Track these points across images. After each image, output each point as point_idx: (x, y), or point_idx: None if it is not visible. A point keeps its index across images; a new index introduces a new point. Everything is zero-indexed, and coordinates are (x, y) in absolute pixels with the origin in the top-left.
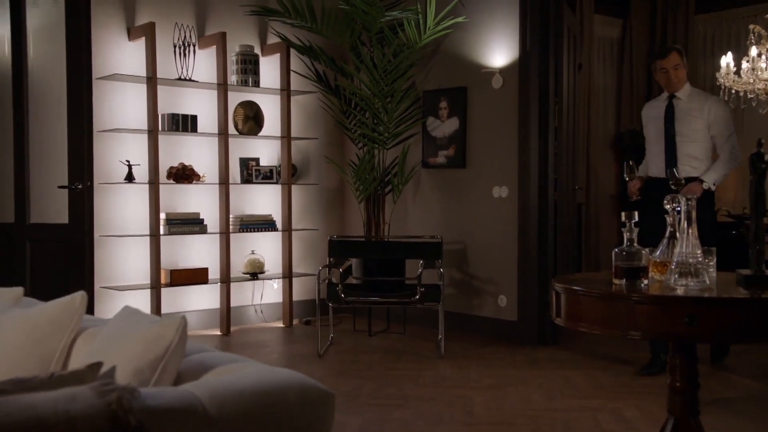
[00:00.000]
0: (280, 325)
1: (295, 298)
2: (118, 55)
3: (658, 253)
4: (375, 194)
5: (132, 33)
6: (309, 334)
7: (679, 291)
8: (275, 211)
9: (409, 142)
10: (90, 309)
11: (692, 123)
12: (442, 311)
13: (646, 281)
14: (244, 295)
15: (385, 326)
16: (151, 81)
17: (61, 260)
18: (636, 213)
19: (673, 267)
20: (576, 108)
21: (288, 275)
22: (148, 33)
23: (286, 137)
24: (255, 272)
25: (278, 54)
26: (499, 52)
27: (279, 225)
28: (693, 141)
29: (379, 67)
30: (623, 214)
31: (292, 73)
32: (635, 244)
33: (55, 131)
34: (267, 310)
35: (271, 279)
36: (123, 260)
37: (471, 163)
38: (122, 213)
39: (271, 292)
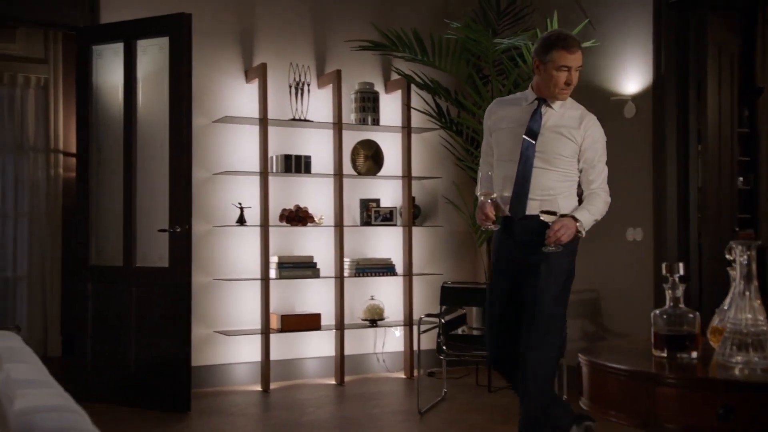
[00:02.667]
0: (402, 375)
1: (421, 347)
2: (236, 97)
3: (717, 318)
4: None
5: (249, 75)
6: (430, 387)
7: (736, 370)
8: (396, 255)
9: None
10: (200, 354)
11: (559, 145)
12: (565, 368)
13: (695, 354)
14: (365, 342)
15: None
16: (263, 122)
17: (164, 303)
18: (679, 266)
19: (726, 335)
20: (734, 140)
21: (409, 323)
22: (260, 74)
23: (407, 177)
24: (374, 319)
25: (399, 90)
26: (630, 78)
27: (400, 269)
28: (554, 169)
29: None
30: (664, 266)
31: (413, 110)
32: (681, 304)
33: (160, 175)
34: (389, 359)
35: (391, 326)
36: (237, 304)
37: None
38: (236, 256)
39: (393, 340)
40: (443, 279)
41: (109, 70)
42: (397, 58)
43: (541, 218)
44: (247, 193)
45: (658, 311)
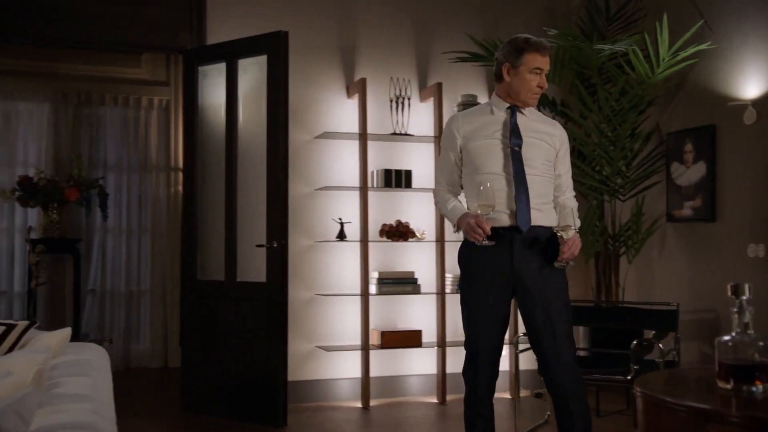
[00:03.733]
0: (507, 396)
1: (528, 366)
2: (338, 112)
3: None
4: (606, 253)
5: (350, 90)
6: (535, 409)
7: None
8: None
9: (646, 193)
10: (301, 368)
11: (542, 151)
12: None
13: (761, 387)
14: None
15: (625, 406)
16: (362, 137)
17: (262, 318)
18: (746, 287)
19: None
20: None
21: (513, 341)
22: (360, 89)
23: None
24: None
25: None
26: (750, 81)
27: None
28: (542, 175)
29: (603, 109)
30: (729, 287)
31: None
32: (750, 330)
33: (260, 191)
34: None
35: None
36: (338, 320)
37: (721, 215)
38: (337, 271)
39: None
40: None
41: (213, 89)
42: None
43: (560, 233)
44: (347, 208)
45: (723, 338)
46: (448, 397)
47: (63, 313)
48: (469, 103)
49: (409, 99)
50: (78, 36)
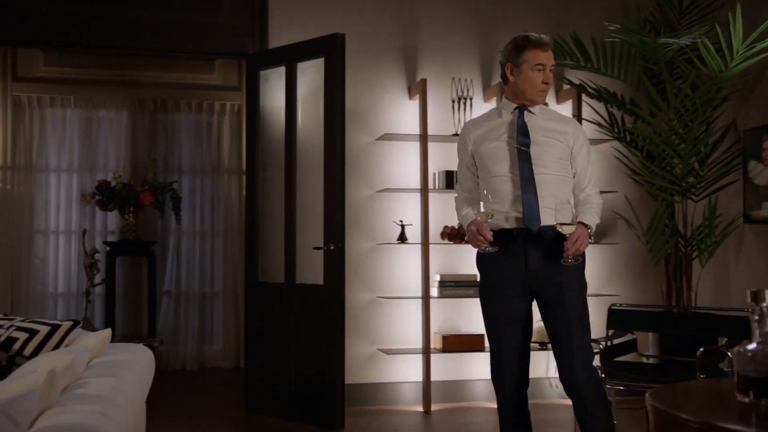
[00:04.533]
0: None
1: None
2: (400, 114)
3: None
4: (677, 256)
5: (412, 91)
6: None
7: None
8: None
9: (721, 192)
10: (362, 371)
11: (555, 149)
12: None
13: None
14: (537, 366)
15: None
16: (423, 138)
17: (320, 320)
18: (766, 293)
19: None
20: None
21: None
22: (421, 90)
23: None
24: (544, 342)
25: (570, 100)
26: None
27: None
28: (556, 174)
29: (673, 105)
30: (749, 293)
31: (583, 120)
32: None
33: (318, 194)
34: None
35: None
36: (399, 323)
37: None
38: (398, 274)
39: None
40: (620, 301)
41: (273, 93)
42: (569, 68)
43: (559, 230)
44: (409, 210)
45: (742, 347)
46: None
47: (140, 314)
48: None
49: (471, 99)
50: (150, 44)
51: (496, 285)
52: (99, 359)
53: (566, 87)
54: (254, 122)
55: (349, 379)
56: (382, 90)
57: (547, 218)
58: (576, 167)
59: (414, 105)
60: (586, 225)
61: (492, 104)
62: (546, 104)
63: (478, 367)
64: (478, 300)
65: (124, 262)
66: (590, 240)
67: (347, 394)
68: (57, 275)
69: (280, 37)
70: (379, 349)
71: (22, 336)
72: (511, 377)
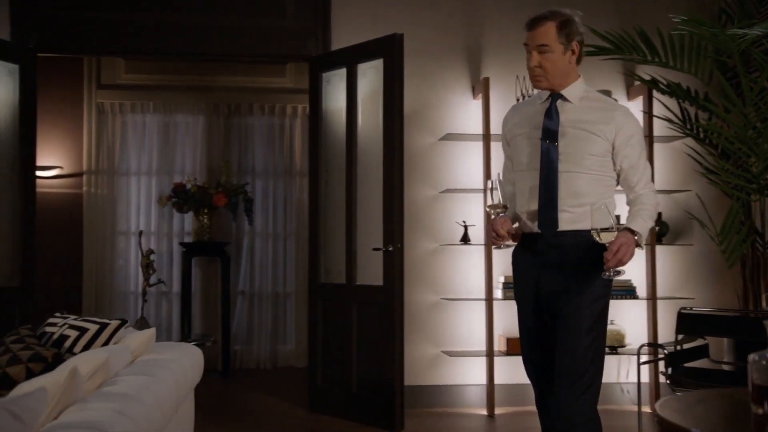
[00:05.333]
0: (648, 410)
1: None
2: (464, 113)
3: None
4: (754, 257)
5: (476, 90)
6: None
7: None
8: (638, 276)
9: None
10: (426, 373)
11: (587, 143)
12: None
13: None
14: (607, 371)
15: None
16: (486, 138)
17: (379, 322)
18: None
19: None
20: None
21: (653, 351)
22: (483, 89)
23: None
24: (614, 346)
25: (641, 97)
26: None
27: (642, 292)
28: (584, 172)
29: (748, 100)
30: (764, 297)
31: (655, 117)
32: None
33: (378, 194)
34: (635, 391)
35: (633, 354)
36: (464, 324)
37: None
38: (462, 275)
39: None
40: (694, 304)
41: (335, 95)
42: (636, 62)
43: (596, 238)
44: (472, 210)
45: (756, 355)
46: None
47: (216, 313)
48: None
49: None
50: (218, 50)
51: (518, 290)
52: (142, 357)
53: (637, 83)
54: (316, 124)
55: (411, 381)
56: (445, 90)
57: (566, 222)
58: (621, 163)
59: (477, 104)
60: (633, 231)
61: None
62: (598, 91)
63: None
64: None
65: (199, 263)
66: (641, 247)
67: (410, 395)
68: (138, 275)
69: (343, 38)
70: (442, 351)
71: (73, 334)
72: (538, 385)
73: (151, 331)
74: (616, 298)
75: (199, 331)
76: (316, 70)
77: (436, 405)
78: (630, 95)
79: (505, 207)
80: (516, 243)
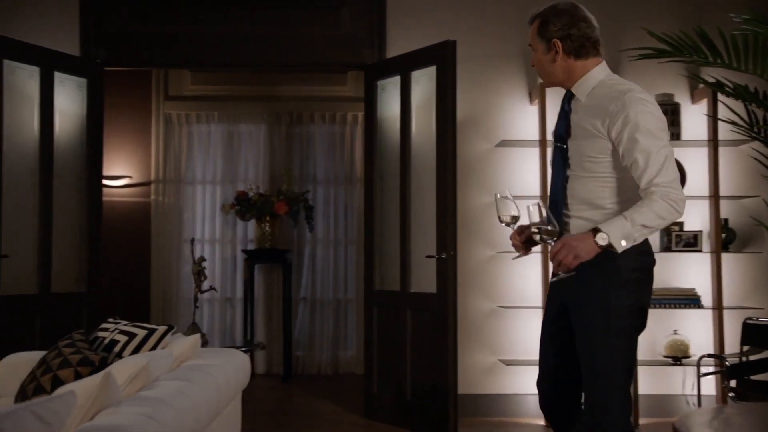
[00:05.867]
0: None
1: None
2: (521, 119)
3: None
4: None
5: (532, 96)
6: None
7: None
8: (703, 285)
9: None
10: (482, 381)
11: (585, 144)
12: None
13: None
14: (670, 382)
15: None
16: (542, 144)
17: (433, 329)
18: None
19: None
20: None
21: (719, 363)
22: (539, 94)
23: (714, 197)
24: (678, 356)
25: (705, 100)
26: None
27: (707, 301)
28: (588, 175)
29: None
30: None
31: (720, 120)
32: None
33: (432, 201)
34: (702, 403)
35: (697, 366)
36: (520, 333)
37: None
38: (519, 283)
39: (703, 381)
40: (764, 314)
41: (389, 103)
42: (700, 64)
43: (535, 238)
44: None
45: None
46: (641, 421)
47: (278, 320)
48: (663, 104)
49: None
50: (277, 59)
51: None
52: (187, 363)
53: (701, 86)
54: (372, 132)
55: (467, 389)
56: (502, 96)
57: (578, 229)
58: (623, 161)
59: (534, 110)
60: (597, 231)
61: None
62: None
63: None
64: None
65: (262, 270)
66: (617, 247)
67: (465, 404)
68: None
69: (398, 45)
70: (499, 360)
71: (123, 339)
72: (542, 393)
73: (195, 337)
74: (680, 308)
75: (262, 337)
76: (370, 78)
77: (492, 414)
78: (694, 98)
79: (513, 218)
80: (522, 255)
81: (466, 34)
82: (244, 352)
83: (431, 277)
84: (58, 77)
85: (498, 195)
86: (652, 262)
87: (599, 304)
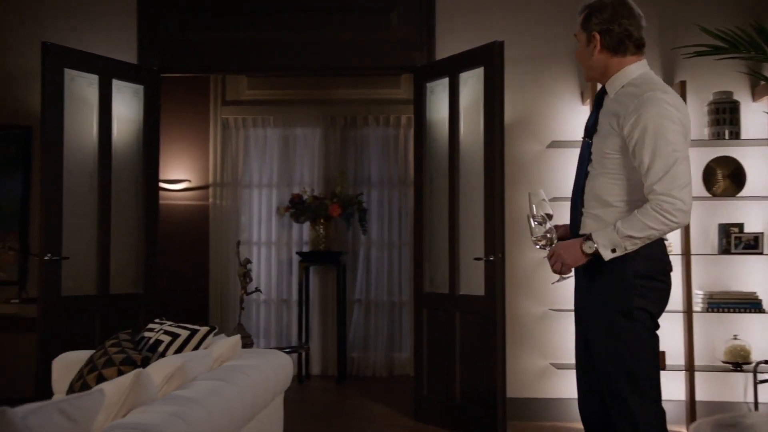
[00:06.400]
0: None
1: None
2: (573, 120)
3: None
4: None
5: (584, 96)
6: None
7: None
8: (764, 288)
9: None
10: (533, 385)
11: (604, 140)
12: None
13: None
14: (731, 388)
15: None
16: None
17: (481, 332)
18: None
19: None
20: None
21: (753, 369)
22: (592, 94)
23: None
24: (737, 362)
25: (766, 98)
26: None
27: None
28: (604, 172)
29: None
30: None
31: None
32: None
33: (480, 204)
34: (760, 410)
35: (754, 372)
36: (571, 336)
37: None
38: (571, 285)
39: (763, 387)
40: None
41: (438, 105)
42: (759, 60)
43: (535, 245)
44: None
45: None
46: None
47: (334, 321)
48: (721, 102)
49: None
50: (329, 64)
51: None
52: (227, 363)
53: (762, 83)
54: (421, 134)
55: (518, 393)
56: (553, 96)
57: (589, 228)
58: (633, 160)
59: (586, 110)
60: (587, 240)
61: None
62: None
63: (666, 387)
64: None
65: (317, 272)
66: (604, 255)
67: (516, 407)
68: (259, 283)
69: (449, 47)
70: (551, 364)
71: (167, 339)
72: (579, 394)
73: (235, 338)
74: (740, 312)
75: (316, 338)
76: (420, 80)
77: (543, 418)
78: (755, 96)
79: (543, 218)
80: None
81: (516, 35)
82: (288, 353)
83: (480, 279)
84: (116, 84)
85: (541, 190)
86: (662, 269)
87: (600, 309)
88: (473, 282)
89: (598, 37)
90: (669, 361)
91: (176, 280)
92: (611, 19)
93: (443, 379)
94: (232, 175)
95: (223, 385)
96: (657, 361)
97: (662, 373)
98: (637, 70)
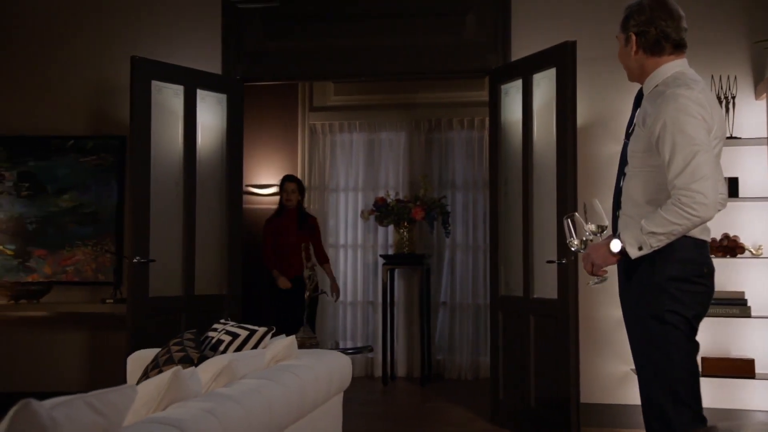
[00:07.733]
0: None
1: None
2: None
3: None
4: None
5: None
6: None
7: None
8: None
9: None
10: (613, 391)
11: (637, 140)
12: None
13: None
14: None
15: None
16: None
17: (555, 336)
18: None
19: None
20: None
21: None
22: None
23: None
24: None
25: None
26: None
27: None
28: (638, 173)
29: None
30: None
31: None
32: None
33: (553, 205)
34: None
35: None
36: None
37: None
38: None
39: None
40: None
41: (513, 106)
42: None
43: (570, 246)
44: None
45: None
46: None
47: (419, 324)
48: None
49: (734, 98)
50: (408, 68)
51: None
52: (281, 363)
53: None
54: (496, 136)
55: (597, 399)
56: (630, 96)
57: (620, 227)
58: (662, 157)
59: None
60: (615, 238)
61: (762, 102)
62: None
63: (747, 395)
64: (745, 320)
65: (402, 274)
66: (632, 254)
67: (593, 413)
68: (346, 285)
69: (524, 49)
70: (631, 370)
71: (227, 339)
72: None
73: (290, 339)
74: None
75: (401, 341)
76: (494, 82)
77: (623, 425)
78: None
79: (599, 227)
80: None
81: (592, 35)
82: (350, 354)
83: (553, 282)
84: (200, 94)
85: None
86: (699, 271)
87: (635, 312)
88: (548, 285)
89: (634, 38)
90: (759, 369)
91: (264, 282)
92: (649, 21)
93: (518, 383)
94: (319, 179)
95: (266, 383)
96: (694, 366)
97: (750, 382)
98: (672, 69)
